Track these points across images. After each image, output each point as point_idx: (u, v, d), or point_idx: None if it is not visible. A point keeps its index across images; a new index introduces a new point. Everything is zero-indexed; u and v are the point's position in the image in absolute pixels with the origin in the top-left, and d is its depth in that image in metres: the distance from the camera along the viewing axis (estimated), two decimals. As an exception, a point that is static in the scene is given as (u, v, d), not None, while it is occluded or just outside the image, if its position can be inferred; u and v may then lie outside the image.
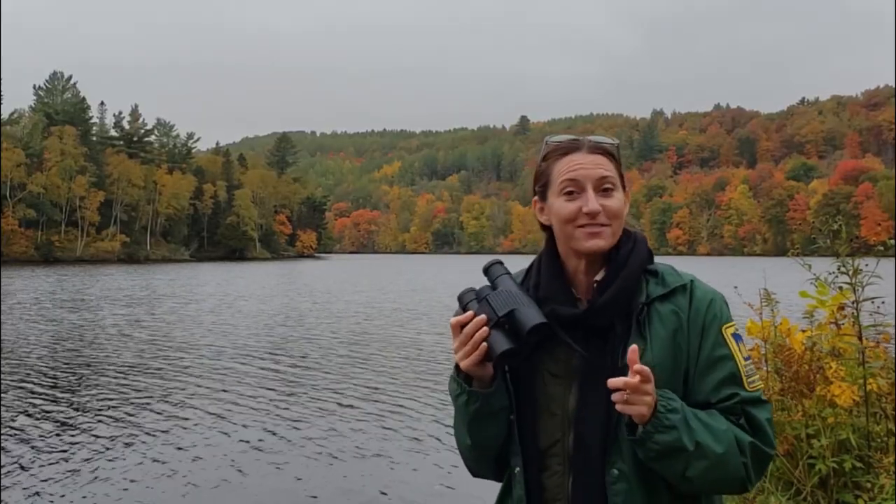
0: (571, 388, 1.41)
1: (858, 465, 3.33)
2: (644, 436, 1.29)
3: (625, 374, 1.30)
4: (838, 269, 3.54)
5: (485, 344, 1.37)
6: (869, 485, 3.24)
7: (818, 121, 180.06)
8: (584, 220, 1.40)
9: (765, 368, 3.83)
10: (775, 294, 3.96)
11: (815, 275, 3.74)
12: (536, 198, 1.50)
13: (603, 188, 1.41)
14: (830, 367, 3.47)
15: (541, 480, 1.43)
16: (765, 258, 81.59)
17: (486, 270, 1.48)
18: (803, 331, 3.89)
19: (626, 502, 1.35)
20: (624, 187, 1.47)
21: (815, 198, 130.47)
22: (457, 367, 1.44)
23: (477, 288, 1.46)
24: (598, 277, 1.43)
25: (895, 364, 3.63)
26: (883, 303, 3.58)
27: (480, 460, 1.54)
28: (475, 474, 1.60)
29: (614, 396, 1.28)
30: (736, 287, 4.33)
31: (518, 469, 1.45)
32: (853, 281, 3.49)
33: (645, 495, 1.36)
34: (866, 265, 3.51)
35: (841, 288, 3.60)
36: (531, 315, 1.36)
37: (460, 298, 1.45)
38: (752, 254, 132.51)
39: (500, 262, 1.50)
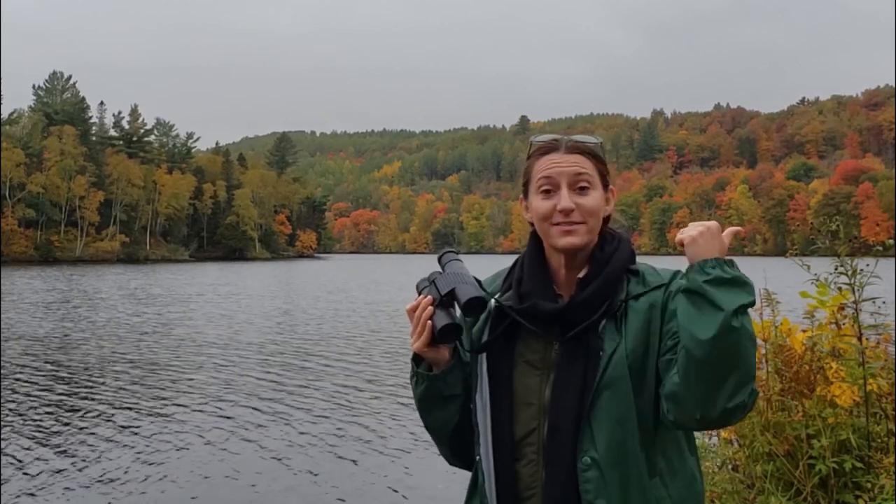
0: (548, 378, 1.44)
1: (859, 465, 3.32)
2: (716, 262, 1.30)
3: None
4: (836, 269, 3.54)
5: (430, 322, 1.44)
6: (869, 485, 3.24)
7: (818, 121, 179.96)
8: (559, 218, 1.44)
9: (765, 368, 3.83)
10: (776, 294, 3.95)
11: (815, 275, 3.73)
12: (522, 196, 1.56)
13: (578, 186, 1.45)
14: (831, 368, 3.46)
15: (515, 469, 1.44)
16: (765, 258, 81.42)
17: (440, 258, 1.55)
18: (804, 331, 3.88)
19: (598, 489, 1.36)
20: (606, 186, 1.51)
21: (816, 198, 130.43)
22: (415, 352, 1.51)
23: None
24: (582, 275, 1.47)
25: (895, 364, 3.62)
26: (883, 303, 3.58)
27: (439, 443, 1.61)
28: (450, 462, 1.63)
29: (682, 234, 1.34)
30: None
31: (478, 458, 1.47)
32: (853, 281, 3.49)
33: (617, 482, 1.37)
34: (866, 265, 3.50)
35: (840, 288, 3.60)
36: (468, 290, 1.43)
37: (417, 286, 1.52)
38: (752, 254, 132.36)
39: (453, 251, 1.56)
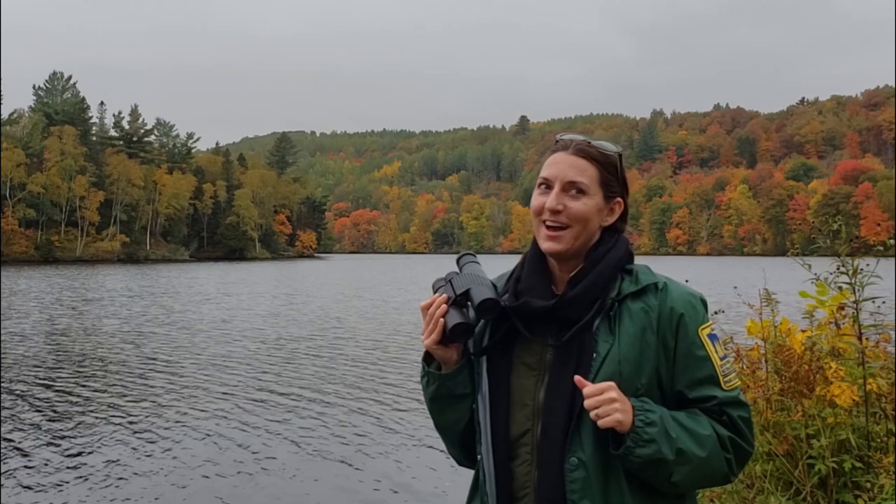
0: (543, 379, 1.45)
1: (858, 465, 3.32)
2: (625, 451, 1.34)
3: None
4: (837, 268, 3.54)
5: (443, 320, 1.47)
6: (869, 485, 3.24)
7: (818, 121, 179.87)
8: (546, 216, 1.47)
9: (764, 368, 3.83)
10: (775, 294, 3.95)
11: (815, 275, 3.73)
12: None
13: (573, 190, 1.46)
14: (830, 367, 3.46)
15: (511, 469, 1.46)
16: (765, 258, 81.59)
17: (458, 260, 1.60)
18: (803, 331, 3.89)
19: (583, 490, 1.37)
20: (611, 196, 1.50)
21: (815, 198, 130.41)
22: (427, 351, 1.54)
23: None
24: (574, 273, 1.49)
25: (895, 364, 3.63)
26: (883, 303, 3.58)
27: (449, 444, 1.63)
28: (459, 462, 1.66)
29: (587, 404, 1.34)
30: (736, 287, 4.34)
31: (480, 457, 1.49)
32: (853, 281, 3.49)
33: (602, 484, 1.38)
34: (866, 265, 3.50)
35: (841, 288, 3.60)
36: (483, 292, 1.46)
37: (433, 285, 1.56)
38: (752, 254, 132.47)
39: (471, 254, 1.61)
